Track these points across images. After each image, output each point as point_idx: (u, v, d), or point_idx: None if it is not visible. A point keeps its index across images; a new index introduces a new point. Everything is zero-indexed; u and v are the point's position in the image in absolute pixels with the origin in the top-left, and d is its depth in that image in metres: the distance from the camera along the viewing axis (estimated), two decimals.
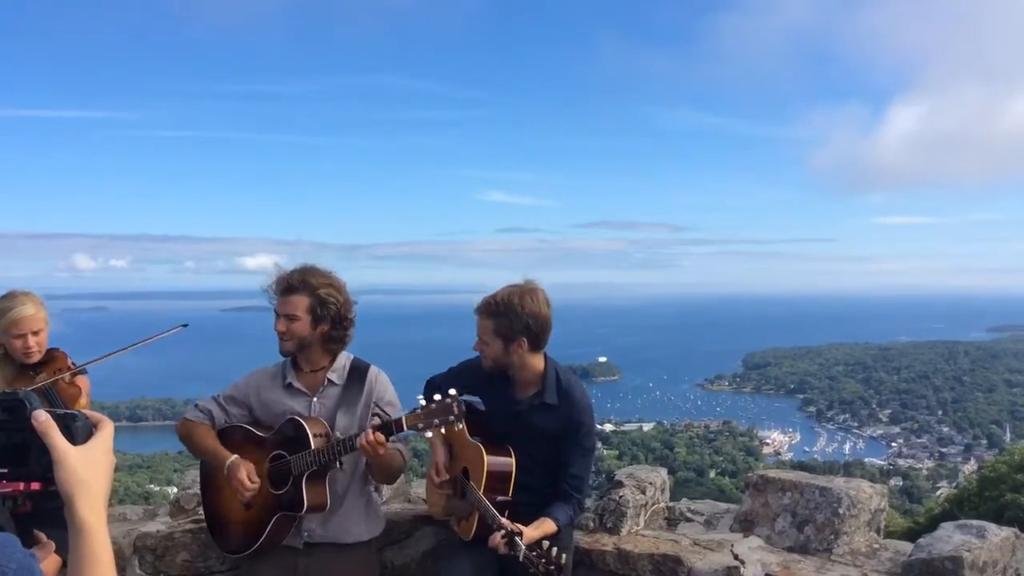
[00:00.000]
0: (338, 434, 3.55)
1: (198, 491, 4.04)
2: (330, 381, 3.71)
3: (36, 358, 4.02)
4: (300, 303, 3.60)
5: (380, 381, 3.79)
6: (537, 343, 3.69)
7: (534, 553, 3.22)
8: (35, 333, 3.97)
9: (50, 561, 1.60)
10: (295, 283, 3.61)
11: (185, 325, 4.55)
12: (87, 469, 1.40)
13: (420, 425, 3.30)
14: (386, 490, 4.72)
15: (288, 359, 3.78)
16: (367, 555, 3.81)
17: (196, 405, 3.82)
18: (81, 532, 1.37)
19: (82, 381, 4.14)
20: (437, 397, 3.30)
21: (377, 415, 3.46)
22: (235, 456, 3.58)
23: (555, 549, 3.21)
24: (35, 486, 1.44)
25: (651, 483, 4.46)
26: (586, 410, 3.74)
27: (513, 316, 3.60)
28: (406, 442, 3.74)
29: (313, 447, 3.45)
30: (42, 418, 1.40)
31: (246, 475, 3.51)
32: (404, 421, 3.34)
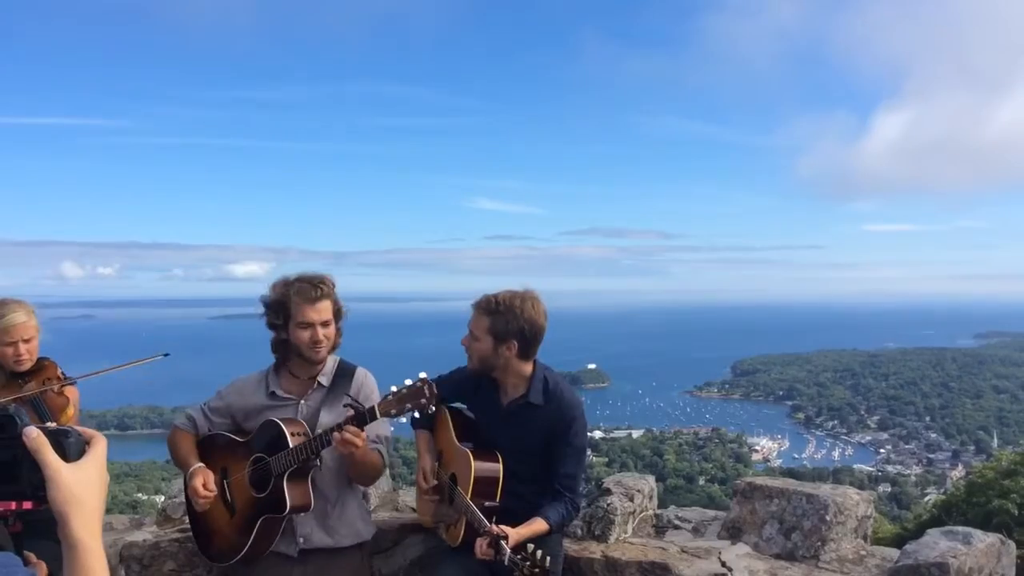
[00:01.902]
0: (319, 432, 3.52)
1: (184, 500, 4.02)
2: (319, 384, 3.71)
3: (26, 366, 4.01)
4: (328, 308, 3.62)
5: (367, 382, 3.79)
6: (527, 350, 3.70)
7: (519, 556, 3.21)
8: (26, 341, 3.97)
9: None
10: (325, 288, 3.62)
11: (166, 354, 4.55)
12: (80, 486, 1.37)
13: (393, 411, 3.26)
14: (374, 498, 4.71)
15: (272, 366, 3.77)
16: (360, 559, 3.81)
17: (185, 413, 3.81)
18: (75, 550, 1.34)
19: (71, 392, 4.12)
20: (408, 381, 3.25)
21: (349, 405, 3.40)
22: (198, 464, 3.59)
23: (540, 552, 3.20)
24: (27, 505, 1.41)
25: (639, 490, 4.46)
26: (575, 408, 3.73)
27: (511, 317, 3.61)
28: (387, 443, 3.74)
29: (291, 446, 3.44)
30: (33, 435, 1.36)
31: (201, 482, 3.51)
32: (377, 409, 3.29)
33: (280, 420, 3.53)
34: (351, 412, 3.37)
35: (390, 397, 3.28)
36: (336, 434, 3.30)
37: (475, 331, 3.70)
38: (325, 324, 3.60)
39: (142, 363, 4.37)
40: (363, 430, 3.35)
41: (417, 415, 3.36)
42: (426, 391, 3.23)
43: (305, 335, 3.57)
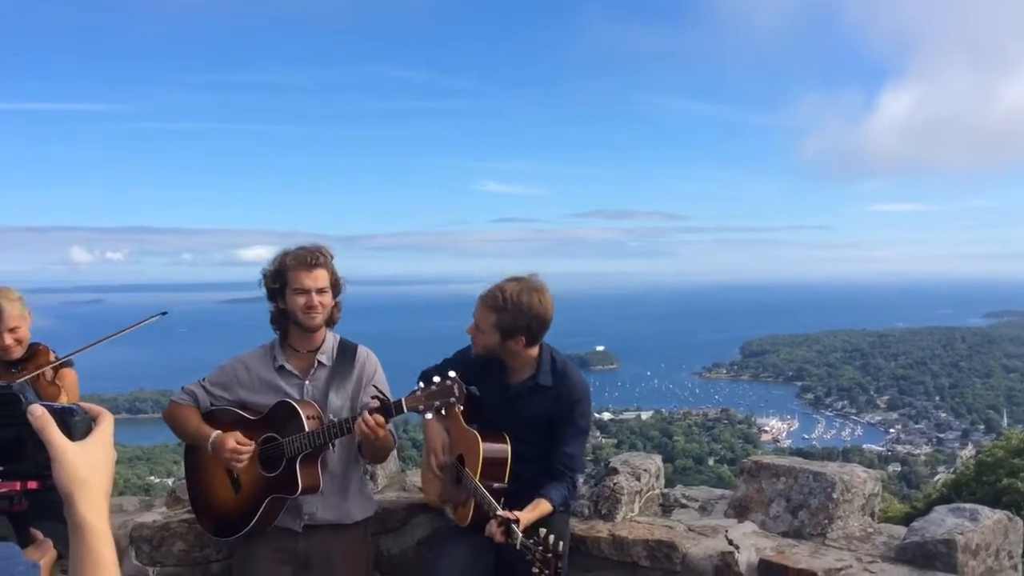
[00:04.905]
0: (331, 416, 3.56)
1: (185, 476, 4.01)
2: (320, 363, 3.72)
3: (16, 355, 3.93)
4: (325, 276, 3.64)
5: (370, 361, 3.81)
6: (534, 341, 3.71)
7: (531, 541, 3.23)
8: (11, 330, 3.87)
9: (47, 560, 1.57)
10: (322, 257, 3.64)
11: (164, 313, 4.49)
12: (87, 466, 1.34)
13: (421, 407, 3.30)
14: (382, 478, 4.73)
15: (276, 339, 3.78)
16: (364, 535, 3.85)
17: (183, 388, 3.80)
18: (82, 531, 1.32)
19: (68, 376, 4.05)
20: (436, 379, 3.30)
21: (377, 397, 3.44)
22: (217, 432, 3.57)
23: (552, 536, 3.21)
24: (32, 485, 1.38)
25: (646, 470, 4.47)
26: (581, 389, 3.74)
27: (518, 315, 3.61)
28: (396, 428, 3.76)
29: (307, 430, 3.45)
30: (38, 413, 1.33)
31: (235, 440, 3.49)
32: (404, 403, 3.34)
33: (295, 402, 3.55)
34: (376, 403, 3.40)
35: (418, 393, 3.32)
36: (360, 420, 3.33)
37: (481, 324, 3.70)
38: (320, 292, 3.62)
39: (139, 327, 4.26)
40: (388, 422, 3.39)
41: (443, 412, 3.38)
42: (455, 390, 3.28)
43: (300, 300, 3.59)
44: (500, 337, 3.66)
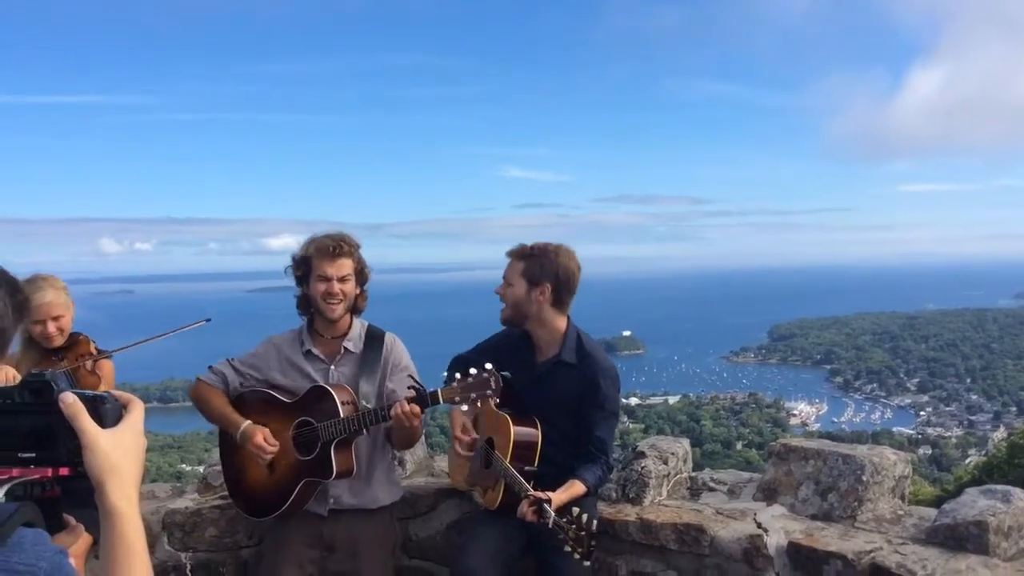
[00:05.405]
0: (363, 402, 3.60)
1: (219, 457, 4.07)
2: (346, 349, 3.78)
3: (58, 343, 3.98)
4: (349, 265, 3.70)
5: (397, 347, 3.86)
6: (560, 297, 3.73)
7: (564, 519, 3.24)
8: (55, 319, 3.91)
9: (80, 543, 1.57)
10: (346, 246, 3.69)
11: (208, 319, 4.57)
12: (118, 453, 1.34)
13: (457, 399, 3.32)
14: (410, 464, 4.76)
15: (304, 325, 3.84)
16: (389, 520, 3.90)
17: (210, 368, 3.86)
18: (112, 518, 1.33)
19: (106, 367, 4.10)
20: (473, 371, 3.30)
21: (412, 387, 3.49)
22: (248, 422, 3.64)
23: (585, 515, 3.22)
24: (63, 471, 1.37)
25: (673, 453, 4.46)
26: (607, 372, 3.74)
27: (544, 261, 3.68)
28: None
29: (342, 415, 3.50)
30: (70, 400, 1.33)
31: (263, 438, 3.58)
32: (440, 394, 3.37)
33: (329, 387, 3.60)
34: (412, 392, 3.44)
35: (455, 385, 3.33)
36: (397, 406, 3.37)
37: (509, 277, 3.77)
38: (343, 280, 3.67)
39: (184, 330, 4.36)
40: (423, 412, 3.43)
41: (479, 405, 3.39)
42: (492, 382, 3.29)
43: (321, 287, 3.65)
44: (527, 287, 3.70)
